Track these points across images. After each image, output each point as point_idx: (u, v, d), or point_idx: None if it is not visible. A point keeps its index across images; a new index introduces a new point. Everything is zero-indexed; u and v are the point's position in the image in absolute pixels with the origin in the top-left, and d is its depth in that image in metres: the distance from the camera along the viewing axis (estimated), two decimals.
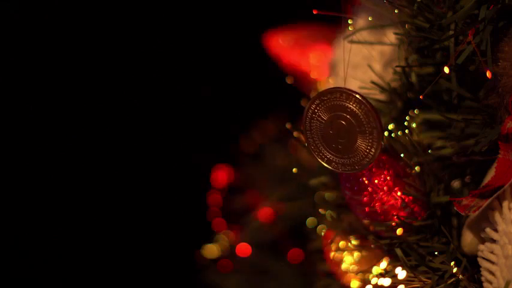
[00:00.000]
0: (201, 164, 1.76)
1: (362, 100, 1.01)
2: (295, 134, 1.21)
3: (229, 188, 1.69)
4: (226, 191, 1.70)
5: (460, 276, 1.07)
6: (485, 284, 1.04)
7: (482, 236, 1.05)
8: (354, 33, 1.14)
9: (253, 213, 1.62)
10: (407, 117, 1.14)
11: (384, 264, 1.12)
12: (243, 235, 1.64)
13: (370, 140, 1.02)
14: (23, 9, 2.01)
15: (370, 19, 1.19)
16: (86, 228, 2.02)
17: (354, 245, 1.17)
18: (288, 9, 1.58)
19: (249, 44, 1.67)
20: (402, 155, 1.11)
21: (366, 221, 1.14)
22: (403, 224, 1.10)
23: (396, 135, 1.12)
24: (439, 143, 1.13)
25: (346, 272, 1.22)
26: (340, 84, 1.16)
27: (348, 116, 1.03)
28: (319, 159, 1.06)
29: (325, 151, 1.06)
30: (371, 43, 1.18)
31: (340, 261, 1.22)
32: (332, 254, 1.23)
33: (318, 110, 1.04)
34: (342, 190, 1.15)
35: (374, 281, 1.11)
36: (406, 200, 1.10)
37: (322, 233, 1.27)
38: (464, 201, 1.03)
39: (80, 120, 2.04)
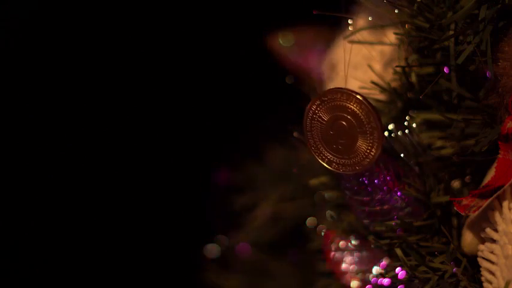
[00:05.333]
0: (201, 164, 1.76)
1: (362, 100, 1.01)
2: (295, 134, 1.21)
3: (229, 188, 1.69)
4: (226, 191, 1.69)
5: (460, 276, 1.07)
6: (485, 284, 1.04)
7: (482, 236, 1.05)
8: (354, 33, 1.14)
9: (253, 213, 1.62)
10: (407, 117, 1.14)
11: (384, 264, 1.12)
12: (243, 235, 1.64)
13: (371, 141, 1.02)
14: (23, 9, 2.00)
15: (370, 19, 1.19)
16: (85, 228, 2.02)
17: (354, 245, 1.17)
18: (288, 9, 1.58)
19: (249, 44, 1.67)
20: (402, 155, 1.11)
21: (365, 221, 1.14)
22: (403, 224, 1.10)
23: (396, 135, 1.12)
24: (439, 143, 1.13)
25: (346, 272, 1.22)
26: (341, 84, 1.16)
27: (349, 117, 1.03)
28: (320, 160, 1.06)
29: (325, 152, 1.05)
30: (371, 43, 1.17)
31: (340, 261, 1.22)
32: (332, 254, 1.23)
33: (318, 110, 1.04)
34: (341, 190, 1.15)
35: (374, 281, 1.11)
36: (406, 200, 1.10)
37: (322, 233, 1.27)
38: (464, 201, 1.03)
39: (80, 120, 2.04)
